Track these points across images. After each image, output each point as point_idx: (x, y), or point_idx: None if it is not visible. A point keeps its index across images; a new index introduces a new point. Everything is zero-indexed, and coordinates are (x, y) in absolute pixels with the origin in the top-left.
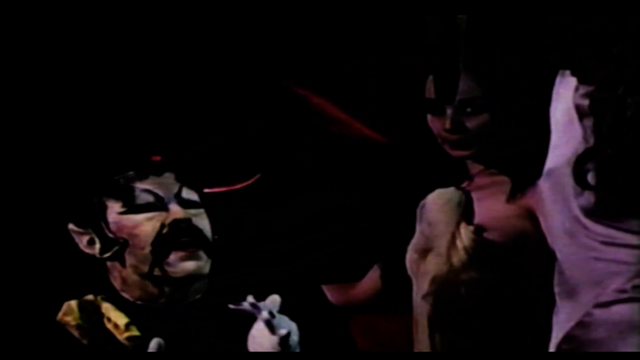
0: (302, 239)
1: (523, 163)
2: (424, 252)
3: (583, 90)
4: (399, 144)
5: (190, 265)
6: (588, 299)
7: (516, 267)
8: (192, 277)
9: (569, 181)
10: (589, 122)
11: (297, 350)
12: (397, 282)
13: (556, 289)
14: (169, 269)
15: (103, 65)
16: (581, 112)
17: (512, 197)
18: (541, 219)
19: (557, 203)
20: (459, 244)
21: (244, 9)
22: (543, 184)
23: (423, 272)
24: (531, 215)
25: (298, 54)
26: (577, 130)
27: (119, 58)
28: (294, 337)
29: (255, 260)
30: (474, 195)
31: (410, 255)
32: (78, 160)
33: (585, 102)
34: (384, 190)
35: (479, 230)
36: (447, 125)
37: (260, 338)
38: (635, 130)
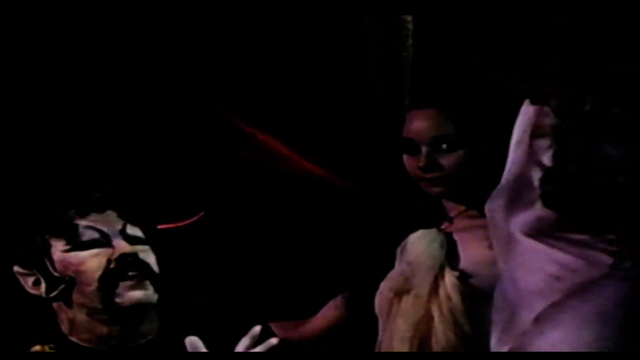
0: (252, 275)
1: None
2: (402, 292)
3: (540, 109)
4: (370, 187)
5: (137, 294)
6: (525, 316)
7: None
8: (140, 307)
9: (504, 202)
10: (544, 142)
11: None
12: (360, 319)
13: (495, 318)
14: (117, 300)
15: (39, 100)
16: (536, 133)
17: None
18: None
19: (494, 222)
20: (441, 291)
21: (190, 43)
22: (488, 206)
23: (398, 312)
24: None
25: (245, 90)
26: (522, 152)
27: (57, 89)
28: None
29: (204, 301)
30: (456, 237)
31: (384, 294)
32: (18, 201)
33: (545, 122)
34: (338, 229)
35: (464, 277)
36: (421, 163)
37: None
38: (607, 148)
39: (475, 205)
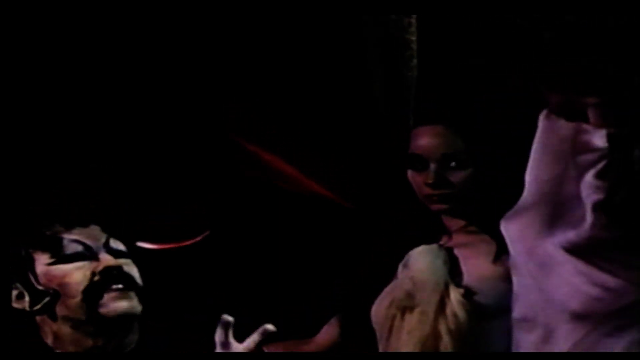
0: (252, 295)
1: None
2: (405, 308)
3: (578, 127)
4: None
5: (123, 304)
6: (565, 339)
7: (498, 333)
8: (125, 318)
9: (538, 220)
10: (589, 158)
11: None
12: (360, 335)
13: (523, 340)
14: (102, 310)
15: (29, 115)
16: (578, 150)
17: (497, 258)
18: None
19: (524, 241)
20: (448, 309)
21: (191, 62)
22: (510, 224)
23: (402, 328)
24: None
25: (248, 108)
26: (559, 170)
27: (57, 92)
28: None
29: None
30: (457, 253)
31: (385, 310)
32: (3, 214)
33: (585, 139)
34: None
35: (469, 293)
36: (430, 180)
37: None
38: None
39: (475, 220)
